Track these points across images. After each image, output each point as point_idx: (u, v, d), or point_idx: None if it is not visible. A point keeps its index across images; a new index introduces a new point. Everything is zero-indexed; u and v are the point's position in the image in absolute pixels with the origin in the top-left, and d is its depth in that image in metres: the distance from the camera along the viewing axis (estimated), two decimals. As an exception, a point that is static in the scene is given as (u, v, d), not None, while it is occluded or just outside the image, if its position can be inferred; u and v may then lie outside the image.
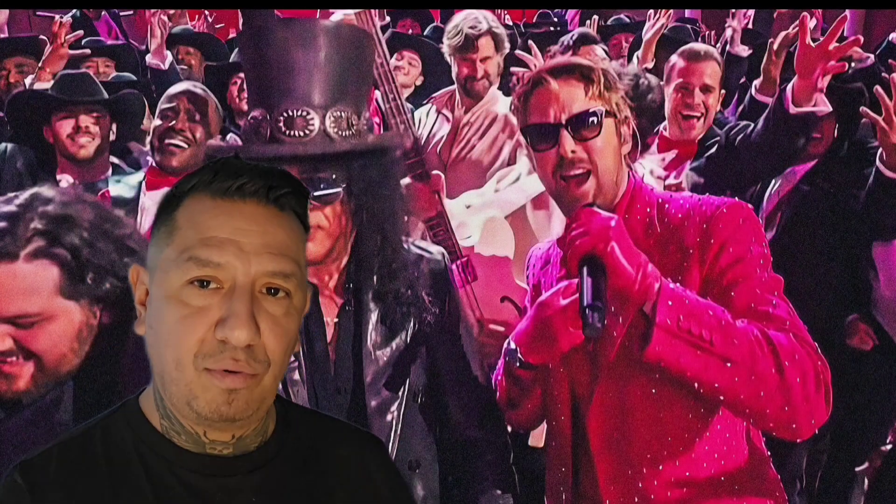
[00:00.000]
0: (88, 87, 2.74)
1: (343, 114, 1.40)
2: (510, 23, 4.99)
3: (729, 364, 1.26)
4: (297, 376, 1.43)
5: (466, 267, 2.43)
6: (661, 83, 2.75)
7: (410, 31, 4.86)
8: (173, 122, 2.59)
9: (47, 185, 1.34)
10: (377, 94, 2.44)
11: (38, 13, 5.55)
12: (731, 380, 1.26)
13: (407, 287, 1.48)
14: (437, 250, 1.61)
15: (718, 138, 2.80)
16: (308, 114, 1.37)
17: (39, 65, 3.11)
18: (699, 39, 4.38)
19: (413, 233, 1.61)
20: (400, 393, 1.49)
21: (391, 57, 3.12)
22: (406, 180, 2.06)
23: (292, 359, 1.42)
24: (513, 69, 2.68)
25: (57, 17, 3.27)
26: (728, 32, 3.98)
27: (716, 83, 2.87)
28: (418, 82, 4.01)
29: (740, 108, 3.25)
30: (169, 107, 2.61)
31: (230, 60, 3.83)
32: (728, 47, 3.86)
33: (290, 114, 1.36)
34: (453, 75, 3.16)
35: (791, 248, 2.74)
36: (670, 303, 1.27)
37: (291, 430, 1.03)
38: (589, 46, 3.42)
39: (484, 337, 1.85)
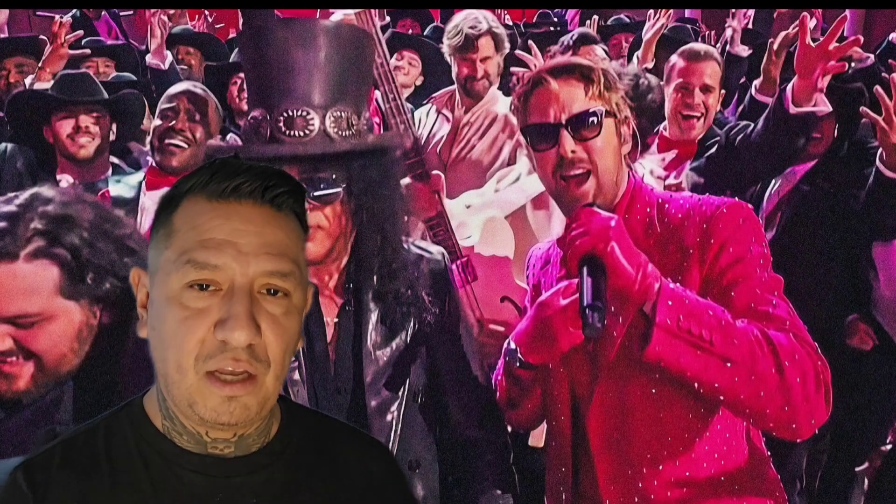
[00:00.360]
0: (88, 87, 2.74)
1: (343, 114, 1.40)
2: (510, 23, 4.99)
3: (729, 364, 1.26)
4: (297, 376, 1.43)
5: (466, 267, 2.43)
6: (661, 83, 2.75)
7: (410, 31, 4.86)
8: (173, 122, 2.59)
9: (47, 185, 1.34)
10: (377, 94, 2.44)
11: (38, 13, 5.55)
12: (731, 380, 1.26)
13: (407, 287, 1.48)
14: (437, 250, 1.61)
15: (718, 138, 2.80)
16: (308, 114, 1.37)
17: (39, 65, 3.11)
18: (699, 39, 4.38)
19: (413, 233, 1.61)
20: (400, 393, 1.49)
21: (391, 57, 3.12)
22: (406, 180, 2.06)
23: (292, 358, 1.42)
24: (513, 69, 2.68)
25: (57, 17, 3.27)
26: (728, 32, 3.98)
27: (716, 83, 2.87)
28: (418, 82, 4.01)
29: (740, 108, 3.25)
30: (169, 107, 2.61)
31: (230, 60, 3.83)
32: (728, 47, 3.86)
33: (290, 114, 1.36)
34: (453, 75, 3.16)
35: (791, 248, 2.74)
36: (670, 303, 1.27)
37: (295, 432, 1.03)
38: (589, 46, 3.42)
39: (484, 337, 1.85)
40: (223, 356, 0.85)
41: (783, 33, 3.05)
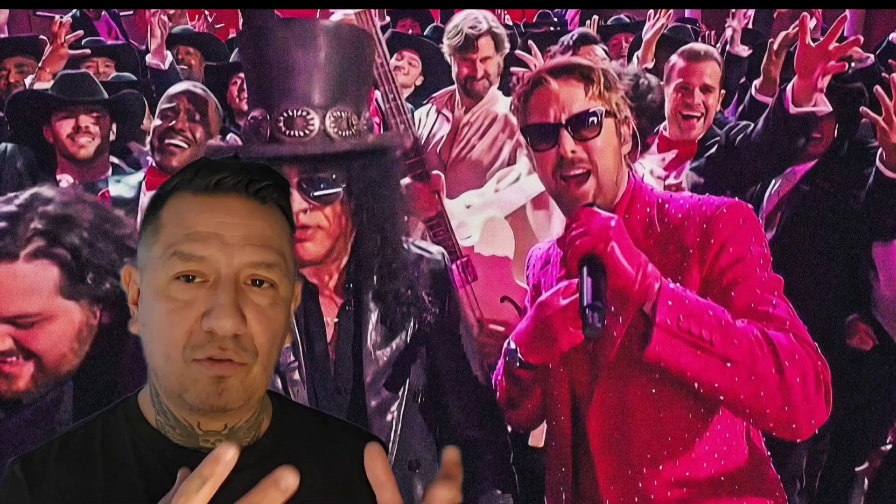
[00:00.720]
0: (88, 87, 2.74)
1: (343, 114, 1.39)
2: (510, 23, 4.99)
3: (729, 364, 1.26)
4: (297, 376, 1.43)
5: (466, 267, 2.43)
6: (661, 83, 2.75)
7: (410, 31, 4.86)
8: (173, 122, 2.59)
9: (47, 185, 1.34)
10: (377, 94, 2.44)
11: (38, 13, 5.56)
12: (731, 380, 1.26)
13: (407, 287, 1.48)
14: (437, 250, 1.61)
15: (718, 138, 2.80)
16: (308, 114, 1.37)
17: (39, 65, 3.11)
18: (699, 39, 4.38)
19: (413, 233, 1.61)
20: (400, 393, 1.49)
21: (391, 57, 3.12)
22: (406, 180, 2.06)
23: (292, 358, 1.42)
24: (513, 69, 2.68)
25: (57, 17, 3.27)
26: (728, 32, 3.98)
27: (716, 83, 2.87)
28: (418, 82, 4.01)
29: (740, 108, 3.26)
30: (169, 107, 2.61)
31: (230, 60, 3.83)
32: (728, 47, 3.87)
33: (290, 114, 1.36)
34: (453, 75, 3.16)
35: (791, 248, 2.74)
36: (670, 303, 1.27)
37: (287, 428, 1.04)
38: (589, 46, 3.42)
39: (484, 337, 1.85)
40: (210, 345, 0.87)
41: (783, 33, 3.05)
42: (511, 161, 2.93)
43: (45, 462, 0.96)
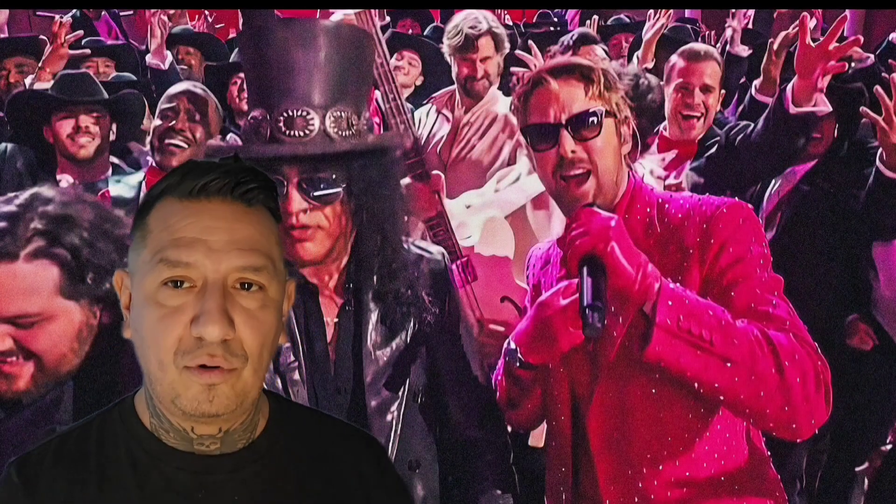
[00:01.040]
0: (88, 87, 2.74)
1: (343, 114, 1.40)
2: (510, 23, 4.99)
3: (729, 364, 1.26)
4: (297, 376, 1.43)
5: (466, 267, 2.43)
6: (661, 83, 2.75)
7: (410, 31, 4.86)
8: (173, 122, 2.59)
9: (47, 185, 1.34)
10: (377, 94, 2.44)
11: (38, 13, 5.55)
12: (731, 380, 1.26)
13: (407, 287, 1.48)
14: (437, 250, 1.61)
15: (718, 138, 2.80)
16: (308, 114, 1.37)
17: (39, 65, 3.11)
18: (699, 39, 4.38)
19: (413, 233, 1.61)
20: (400, 393, 1.49)
21: (391, 57, 3.12)
22: (406, 180, 2.06)
23: (292, 358, 1.43)
24: (513, 69, 2.68)
25: (57, 17, 3.27)
26: (728, 32, 3.98)
27: (716, 83, 2.87)
28: (418, 82, 4.00)
29: (740, 108, 3.25)
30: (169, 107, 2.61)
31: (230, 60, 3.83)
32: (728, 47, 3.86)
33: (290, 114, 1.36)
34: (453, 75, 3.15)
35: (791, 248, 2.74)
36: (670, 303, 1.27)
37: (283, 429, 1.04)
38: (589, 46, 3.42)
39: (484, 337, 1.85)
40: (199, 352, 0.87)
41: (783, 33, 3.05)
42: (511, 161, 2.93)
43: (42, 463, 0.96)
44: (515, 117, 1.55)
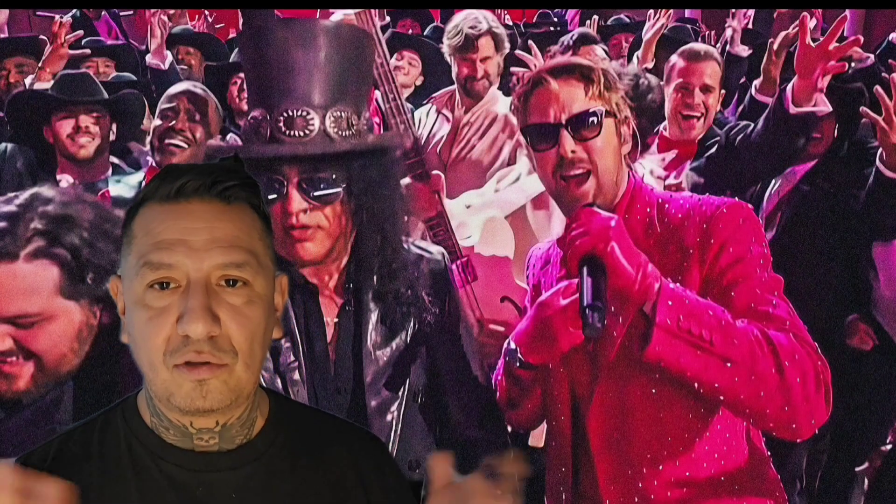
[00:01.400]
0: (88, 87, 2.74)
1: (343, 114, 1.40)
2: (510, 23, 4.99)
3: (729, 364, 1.26)
4: (297, 376, 1.43)
5: (466, 267, 2.43)
6: (661, 83, 2.75)
7: (410, 31, 4.86)
8: (173, 122, 2.59)
9: (47, 185, 1.34)
10: (377, 94, 2.44)
11: (38, 13, 5.55)
12: (731, 380, 1.26)
13: (407, 287, 1.48)
14: (437, 250, 1.61)
15: (718, 138, 2.80)
16: (308, 114, 1.37)
17: (39, 65, 3.11)
18: (699, 39, 4.38)
19: (413, 233, 1.61)
20: (400, 393, 1.49)
21: (391, 57, 3.12)
22: (406, 180, 2.06)
23: (292, 358, 1.43)
24: (513, 69, 2.68)
25: (57, 17, 3.27)
26: (728, 32, 3.98)
27: (716, 83, 2.87)
28: (418, 82, 4.00)
29: (740, 108, 3.25)
30: (169, 107, 2.61)
31: (230, 60, 3.83)
32: (728, 47, 3.86)
33: (290, 114, 1.36)
34: (453, 75, 3.16)
35: (791, 248, 2.74)
36: (670, 303, 1.27)
37: (282, 427, 1.04)
38: (589, 46, 3.42)
39: (484, 337, 1.85)
40: (186, 349, 0.89)
41: (783, 33, 3.05)
42: (511, 161, 2.93)
43: (43, 461, 0.97)
44: (515, 117, 1.55)
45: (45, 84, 2.93)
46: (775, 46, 3.02)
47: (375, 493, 1.08)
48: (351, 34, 1.46)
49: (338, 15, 2.69)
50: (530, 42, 3.14)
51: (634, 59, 3.81)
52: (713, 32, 4.90)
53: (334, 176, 1.38)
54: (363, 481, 1.07)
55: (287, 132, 1.36)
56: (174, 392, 0.90)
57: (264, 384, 1.10)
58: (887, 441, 3.15)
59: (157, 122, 2.63)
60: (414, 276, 1.50)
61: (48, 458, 0.98)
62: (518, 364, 1.45)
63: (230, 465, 0.98)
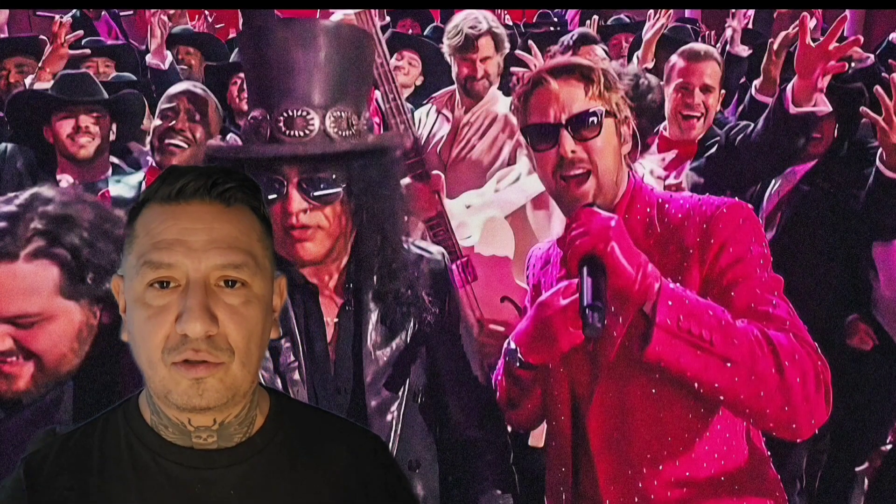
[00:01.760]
0: (88, 87, 2.74)
1: (343, 114, 1.40)
2: (510, 23, 4.99)
3: (729, 364, 1.26)
4: (297, 376, 1.43)
5: (466, 267, 2.43)
6: (661, 83, 2.75)
7: (410, 31, 4.86)
8: (173, 122, 2.59)
9: (47, 185, 1.34)
10: (377, 94, 2.44)
11: (38, 13, 5.55)
12: (731, 380, 1.26)
13: (407, 287, 1.48)
14: (437, 250, 1.61)
15: (718, 138, 2.80)
16: (308, 114, 1.37)
17: (39, 65, 3.11)
18: (699, 39, 4.38)
19: (413, 233, 1.61)
20: (400, 393, 1.49)
21: (391, 57, 3.12)
22: (406, 180, 2.06)
23: (292, 358, 1.43)
24: (513, 69, 2.68)
25: (57, 17, 3.27)
26: (728, 32, 3.98)
27: (716, 83, 2.87)
28: (418, 82, 4.00)
29: (740, 108, 3.25)
30: (169, 107, 2.61)
31: (230, 60, 3.83)
32: (728, 47, 3.86)
33: (290, 114, 1.36)
34: (453, 75, 3.15)
35: (791, 248, 2.74)
36: (670, 303, 1.27)
37: (282, 425, 1.05)
38: (589, 46, 3.42)
39: (484, 337, 1.85)
40: (184, 348, 0.90)
41: (783, 33, 3.05)
42: (511, 161, 2.93)
43: (46, 459, 0.99)
44: (515, 117, 1.55)
45: (45, 84, 2.93)
46: (775, 46, 3.02)
47: (375, 492, 1.08)
48: (351, 34, 1.46)
49: (338, 15, 2.69)
50: (530, 42, 3.13)
51: (634, 59, 3.81)
52: (713, 32, 4.90)
53: (334, 176, 1.38)
54: (363, 480, 1.07)
55: (287, 132, 1.36)
56: (171, 389, 0.92)
57: (262, 382, 1.10)
58: (887, 441, 3.15)
59: (157, 122, 2.63)
60: (414, 276, 1.50)
61: (49, 457, 0.99)
62: (518, 364, 1.45)
63: (229, 462, 0.99)
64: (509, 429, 1.66)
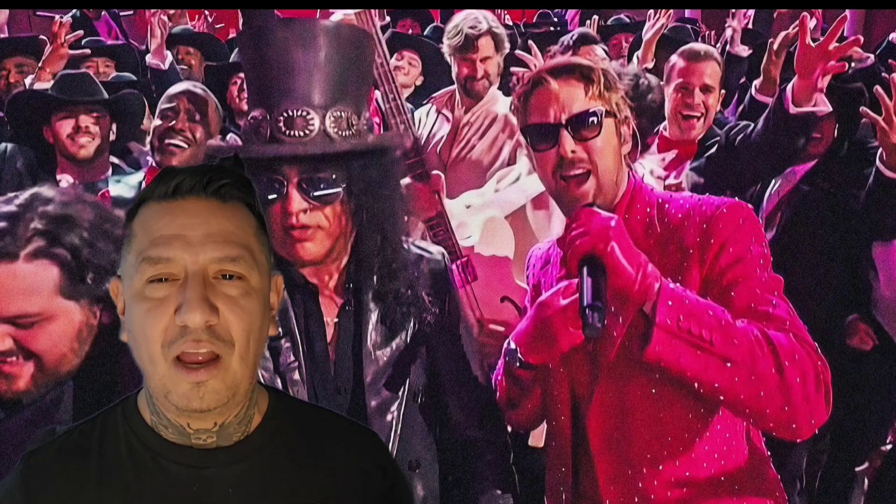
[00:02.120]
0: (88, 87, 2.74)
1: (343, 114, 1.40)
2: (510, 23, 4.99)
3: (729, 364, 1.26)
4: (297, 376, 1.43)
5: (466, 267, 2.43)
6: (661, 83, 2.75)
7: (410, 31, 4.86)
8: (173, 122, 2.59)
9: (47, 185, 1.34)
10: (377, 94, 2.44)
11: (38, 13, 5.55)
12: (731, 380, 1.26)
13: (407, 287, 1.48)
14: (437, 250, 1.61)
15: (718, 138, 2.80)
16: (308, 114, 1.37)
17: (39, 65, 3.11)
18: (699, 39, 4.38)
19: (413, 233, 1.61)
20: (400, 393, 1.49)
21: (391, 57, 3.12)
22: (406, 180, 2.06)
23: (292, 358, 1.43)
24: (513, 69, 2.68)
25: (57, 17, 3.27)
26: (728, 32, 3.98)
27: (716, 83, 2.87)
28: (418, 82, 4.00)
29: (740, 108, 3.25)
30: (169, 107, 2.61)
31: (230, 60, 3.83)
32: (728, 47, 3.86)
33: (290, 114, 1.36)
34: (453, 75, 3.15)
35: (791, 248, 2.74)
36: (670, 303, 1.27)
37: (281, 424, 1.05)
38: (589, 46, 3.42)
39: (484, 337, 1.85)
40: (184, 339, 0.90)
41: (783, 33, 3.05)
42: (511, 161, 2.93)
43: (46, 457, 1.00)
44: (515, 117, 1.55)
45: (45, 84, 2.93)
46: (775, 46, 3.02)
47: (373, 489, 1.08)
48: (351, 34, 1.46)
49: (338, 15, 2.69)
50: (530, 42, 3.13)
51: (634, 59, 3.81)
52: (713, 32, 4.90)
53: (334, 176, 1.38)
54: (364, 479, 1.08)
55: (287, 132, 1.36)
56: (171, 389, 0.92)
57: (261, 381, 1.10)
58: (887, 441, 3.15)
59: (157, 122, 2.63)
60: (414, 276, 1.50)
61: (49, 456, 0.99)
62: (518, 364, 1.45)
63: (227, 461, 0.99)
64: (509, 429, 1.67)
